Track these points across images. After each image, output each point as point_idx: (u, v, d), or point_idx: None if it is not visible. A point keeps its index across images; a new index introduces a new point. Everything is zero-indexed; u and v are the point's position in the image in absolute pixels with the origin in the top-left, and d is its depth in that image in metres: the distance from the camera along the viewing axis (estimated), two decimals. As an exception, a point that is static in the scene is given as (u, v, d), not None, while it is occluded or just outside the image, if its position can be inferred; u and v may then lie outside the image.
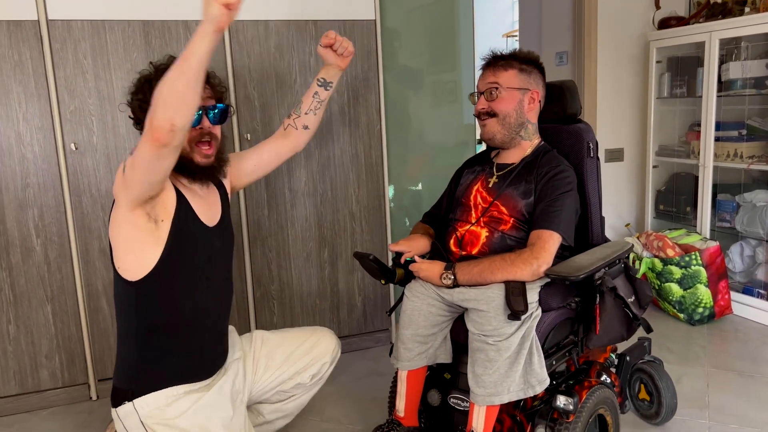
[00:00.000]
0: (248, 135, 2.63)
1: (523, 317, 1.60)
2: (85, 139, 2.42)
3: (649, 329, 1.90)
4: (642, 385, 2.20)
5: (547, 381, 1.68)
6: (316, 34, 2.67)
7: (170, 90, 1.30)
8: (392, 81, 3.02)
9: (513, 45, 5.49)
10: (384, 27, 2.90)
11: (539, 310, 1.69)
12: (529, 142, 1.90)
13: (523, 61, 1.86)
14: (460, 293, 1.67)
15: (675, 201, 3.61)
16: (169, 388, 1.62)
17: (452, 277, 1.68)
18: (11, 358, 2.43)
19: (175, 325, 1.63)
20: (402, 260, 1.84)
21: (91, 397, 2.56)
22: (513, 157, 1.92)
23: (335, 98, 2.75)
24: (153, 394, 1.61)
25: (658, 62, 3.60)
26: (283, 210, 2.74)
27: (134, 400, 1.61)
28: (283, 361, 1.88)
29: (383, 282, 1.84)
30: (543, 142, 1.94)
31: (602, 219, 1.96)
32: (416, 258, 1.82)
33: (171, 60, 1.49)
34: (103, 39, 2.39)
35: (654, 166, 3.73)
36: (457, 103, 3.23)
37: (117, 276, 1.60)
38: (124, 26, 2.41)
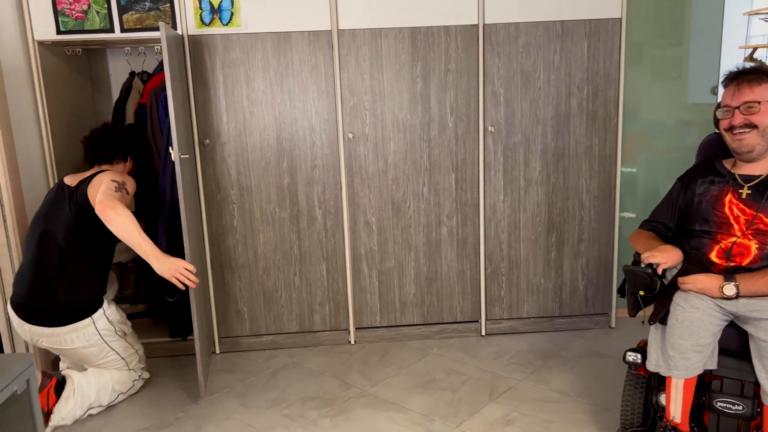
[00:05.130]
0: (491, 128, 2.92)
1: None
2: (359, 130, 2.89)
3: None
4: None
5: None
6: (562, 34, 2.85)
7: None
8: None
9: (754, 23, 5.04)
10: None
11: None
12: None
13: None
14: (747, 304, 1.80)
15: None
16: None
17: (736, 289, 1.81)
18: (295, 303, 3.05)
19: None
20: (659, 271, 1.98)
21: (349, 341, 3.12)
22: (760, 168, 1.99)
23: (575, 93, 2.91)
24: None
25: None
26: (517, 196, 3.01)
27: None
28: None
29: (642, 293, 1.97)
30: None
31: None
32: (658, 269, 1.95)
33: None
34: (378, 44, 2.82)
35: None
36: (682, 79, 3.15)
37: None
38: (396, 33, 2.81)
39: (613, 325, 3.17)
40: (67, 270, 2.44)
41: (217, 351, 3.06)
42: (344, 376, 2.79)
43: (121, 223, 2.29)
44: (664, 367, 1.91)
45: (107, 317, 2.52)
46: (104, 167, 2.64)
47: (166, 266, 2.30)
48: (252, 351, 3.07)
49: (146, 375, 2.74)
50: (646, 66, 3.13)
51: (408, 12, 2.79)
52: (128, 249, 2.67)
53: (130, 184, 2.54)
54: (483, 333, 3.14)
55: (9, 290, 2.66)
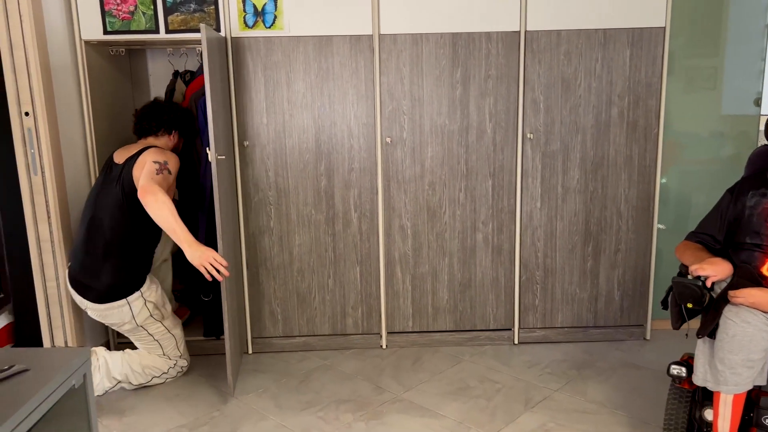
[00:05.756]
0: (530, 135, 2.90)
1: None
2: (397, 135, 2.90)
3: None
4: None
5: None
6: (604, 42, 2.83)
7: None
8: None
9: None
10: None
11: None
12: None
13: None
14: None
15: None
16: None
17: None
18: (328, 305, 3.06)
19: None
20: (709, 284, 1.95)
21: (381, 345, 3.11)
22: None
23: (615, 101, 2.89)
24: None
25: None
26: (554, 204, 2.98)
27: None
28: None
29: (690, 306, 1.93)
30: None
31: None
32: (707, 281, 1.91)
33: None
34: (419, 49, 2.82)
35: None
36: (716, 90, 3.11)
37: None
38: (437, 38, 2.81)
39: (648, 337, 3.12)
40: (112, 256, 2.54)
41: (250, 351, 3.07)
42: (377, 380, 2.78)
43: (159, 208, 2.36)
44: (712, 381, 1.88)
45: (144, 299, 2.59)
46: (150, 140, 2.75)
47: (198, 254, 2.34)
48: (284, 352, 3.08)
49: (183, 363, 2.79)
50: (679, 76, 3.09)
51: (449, 18, 2.80)
52: (162, 245, 2.72)
53: (173, 162, 2.60)
54: (516, 341, 3.12)
55: (51, 284, 2.70)
